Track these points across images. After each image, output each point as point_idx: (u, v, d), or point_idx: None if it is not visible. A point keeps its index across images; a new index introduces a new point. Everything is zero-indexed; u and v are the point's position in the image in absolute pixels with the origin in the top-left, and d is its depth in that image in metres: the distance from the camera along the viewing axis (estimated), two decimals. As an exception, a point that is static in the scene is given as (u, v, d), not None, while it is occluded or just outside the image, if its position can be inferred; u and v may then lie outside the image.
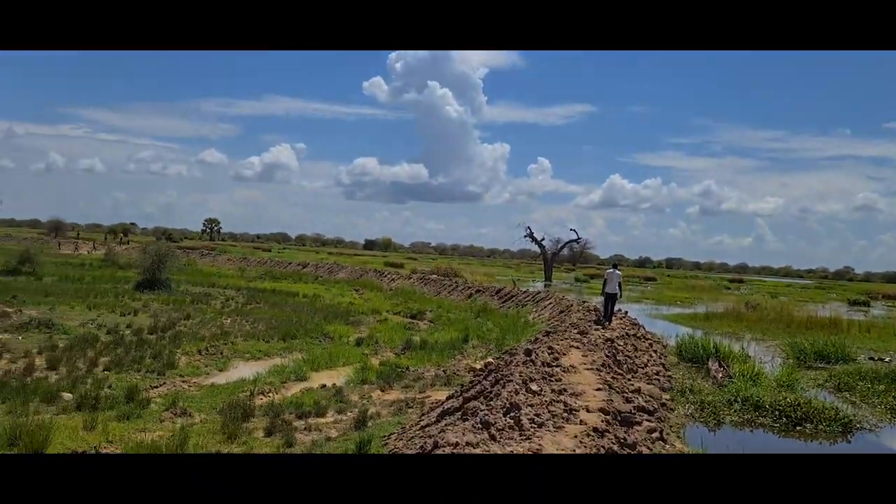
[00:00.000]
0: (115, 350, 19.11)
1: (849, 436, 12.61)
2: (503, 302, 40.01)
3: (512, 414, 8.89)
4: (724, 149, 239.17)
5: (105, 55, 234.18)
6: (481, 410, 9.35)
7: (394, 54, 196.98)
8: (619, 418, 9.98)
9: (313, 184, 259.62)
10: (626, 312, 28.23)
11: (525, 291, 41.94)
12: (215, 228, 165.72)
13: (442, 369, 18.98)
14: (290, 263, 73.78)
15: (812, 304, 50.30)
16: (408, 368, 19.00)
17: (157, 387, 15.74)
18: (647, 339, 22.14)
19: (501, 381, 11.93)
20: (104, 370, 16.84)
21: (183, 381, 16.58)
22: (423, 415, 13.18)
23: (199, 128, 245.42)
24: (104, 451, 10.89)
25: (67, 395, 13.91)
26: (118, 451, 10.77)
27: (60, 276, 41.54)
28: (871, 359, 21.32)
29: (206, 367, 18.60)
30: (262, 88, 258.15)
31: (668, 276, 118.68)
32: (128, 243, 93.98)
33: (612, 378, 13.31)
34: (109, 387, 15.09)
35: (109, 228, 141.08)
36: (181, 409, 13.50)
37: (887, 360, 20.94)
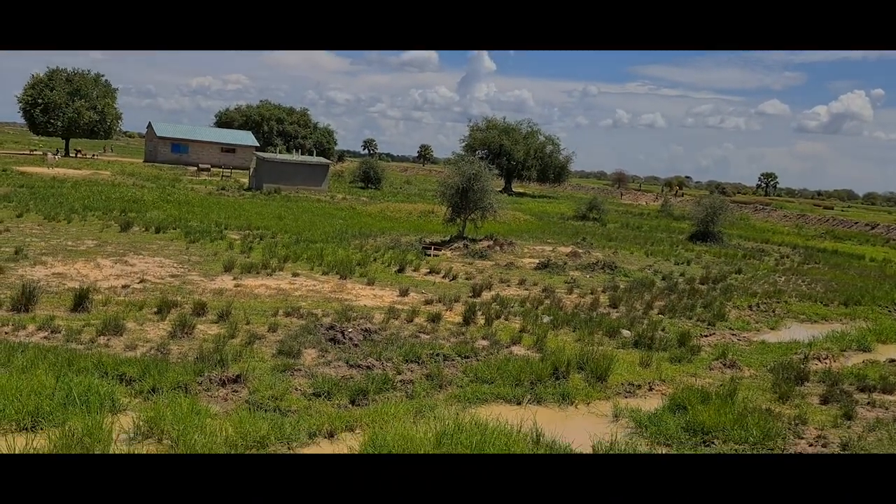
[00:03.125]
0: (669, 296, 20.03)
1: None
2: None
3: None
4: None
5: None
6: None
7: None
8: None
9: (890, 135, 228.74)
10: None
11: None
12: (771, 183, 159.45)
13: None
14: (855, 223, 66.89)
15: None
16: None
17: (706, 336, 15.99)
18: None
19: None
20: (658, 314, 17.81)
21: (732, 334, 16.49)
22: None
23: (763, 78, 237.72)
24: (656, 388, 11.58)
25: (626, 332, 15.14)
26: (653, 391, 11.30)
27: (622, 224, 45.71)
28: None
29: (757, 323, 18.17)
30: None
31: None
32: (682, 196, 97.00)
33: None
34: (663, 329, 15.90)
35: (665, 181, 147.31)
36: (730, 360, 13.47)
37: None
